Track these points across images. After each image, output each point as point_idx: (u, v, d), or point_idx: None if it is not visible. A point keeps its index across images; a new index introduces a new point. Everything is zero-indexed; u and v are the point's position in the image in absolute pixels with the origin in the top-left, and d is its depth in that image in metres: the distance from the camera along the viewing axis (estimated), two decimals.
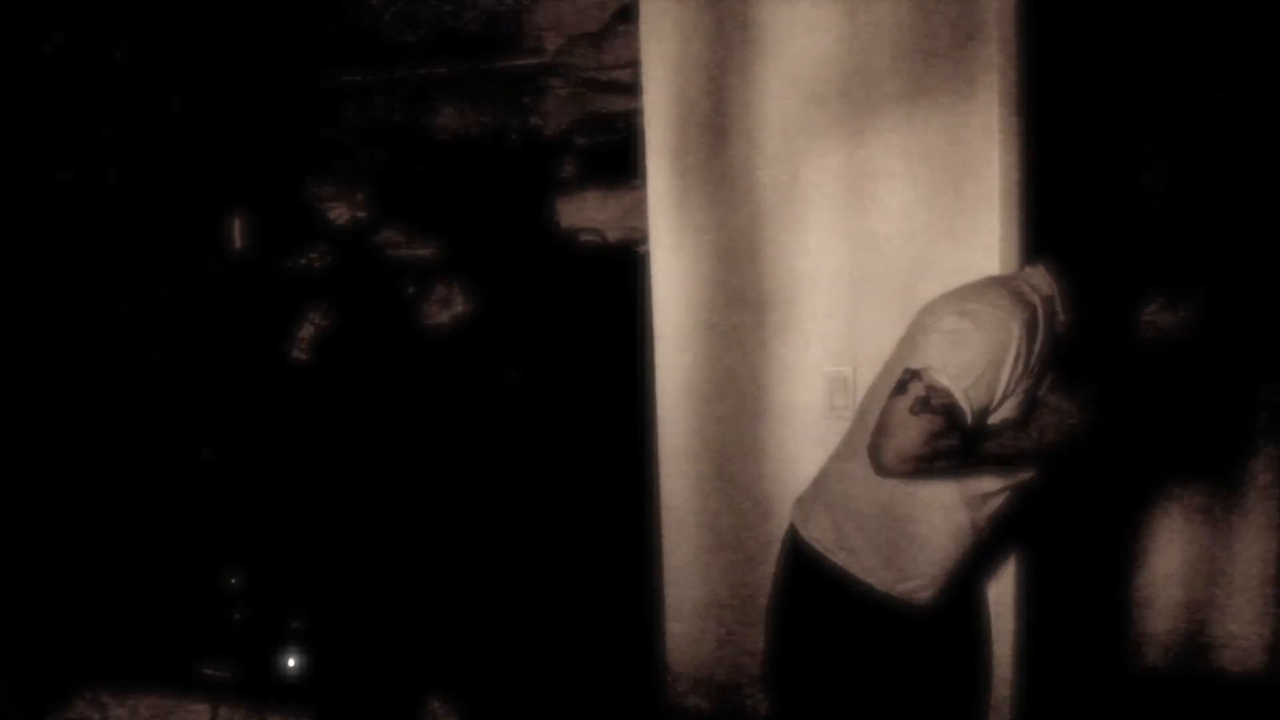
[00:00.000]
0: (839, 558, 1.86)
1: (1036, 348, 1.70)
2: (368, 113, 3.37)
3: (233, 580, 2.85)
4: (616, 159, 2.77)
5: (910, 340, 1.81)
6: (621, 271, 2.67)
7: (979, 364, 1.67)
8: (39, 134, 2.71)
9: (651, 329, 2.46)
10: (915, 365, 1.70)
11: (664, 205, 2.42)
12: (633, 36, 2.46)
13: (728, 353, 2.40)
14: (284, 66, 3.21)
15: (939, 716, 1.95)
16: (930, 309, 1.82)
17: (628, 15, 2.61)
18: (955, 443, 1.67)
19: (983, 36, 2.12)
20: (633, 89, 2.52)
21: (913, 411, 1.67)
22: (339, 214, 3.13)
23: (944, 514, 1.80)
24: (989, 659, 2.03)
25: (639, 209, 2.55)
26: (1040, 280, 1.79)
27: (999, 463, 1.75)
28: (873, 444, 1.72)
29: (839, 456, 1.95)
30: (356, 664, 2.74)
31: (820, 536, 1.89)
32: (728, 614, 2.47)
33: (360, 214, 3.10)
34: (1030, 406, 1.74)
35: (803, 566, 1.94)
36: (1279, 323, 2.57)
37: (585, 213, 2.77)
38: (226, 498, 3.13)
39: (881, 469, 1.72)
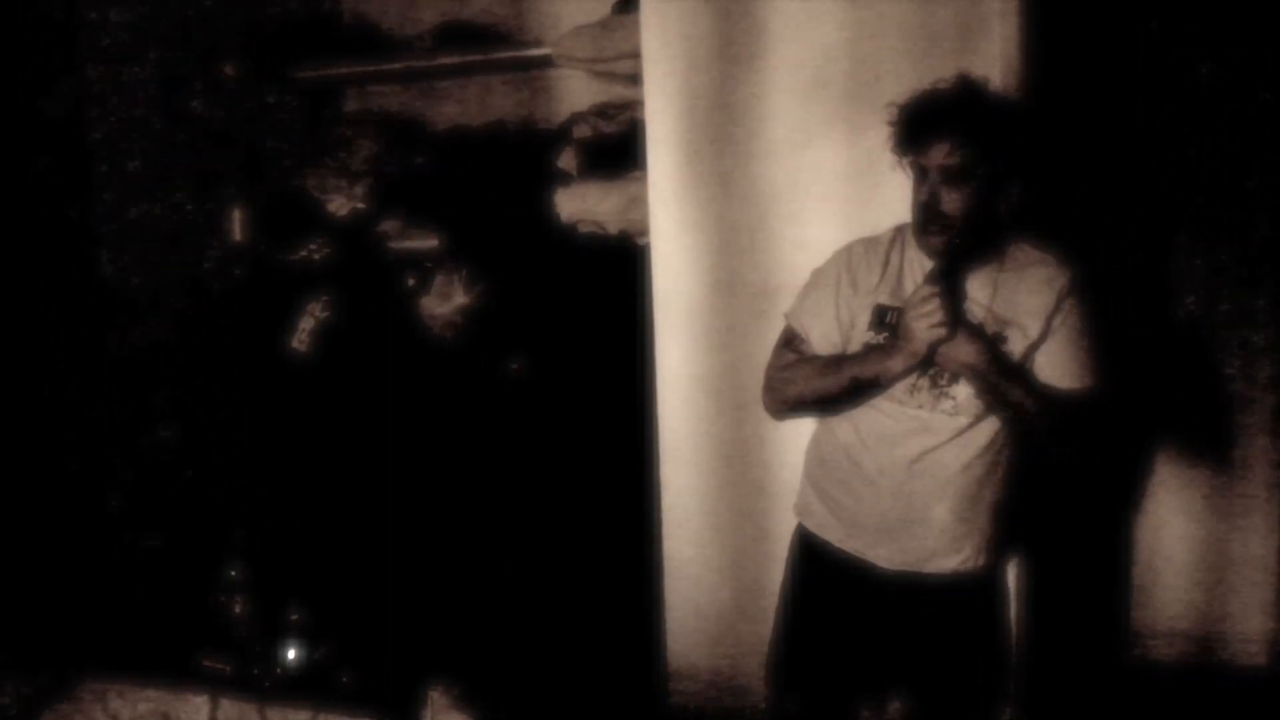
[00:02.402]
0: (807, 520, 2.01)
1: (873, 271, 1.86)
2: (368, 103, 3.36)
3: (232, 572, 2.85)
4: (617, 150, 2.76)
5: None
6: (622, 263, 2.66)
7: (811, 296, 1.94)
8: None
9: (652, 321, 2.46)
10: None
11: (665, 197, 2.41)
12: (634, 27, 2.45)
13: (728, 345, 2.40)
14: (283, 56, 3.20)
15: (941, 694, 1.94)
16: None
17: (630, 5, 2.60)
18: (807, 370, 1.87)
19: (985, 30, 2.12)
20: (634, 80, 2.51)
21: (774, 351, 1.97)
22: (339, 205, 3.12)
23: (866, 458, 1.87)
24: (998, 638, 2.00)
25: (640, 200, 2.54)
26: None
27: (862, 384, 1.82)
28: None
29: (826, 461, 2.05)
30: (356, 656, 2.74)
31: (797, 503, 2.06)
32: (728, 607, 2.47)
33: (360, 205, 3.10)
34: (885, 329, 1.83)
35: (793, 539, 2.07)
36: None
37: (586, 204, 2.76)
38: (226, 489, 3.13)
39: (768, 410, 1.99)
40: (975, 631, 1.94)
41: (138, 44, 2.88)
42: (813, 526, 1.99)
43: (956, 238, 1.76)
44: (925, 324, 1.73)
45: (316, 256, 3.12)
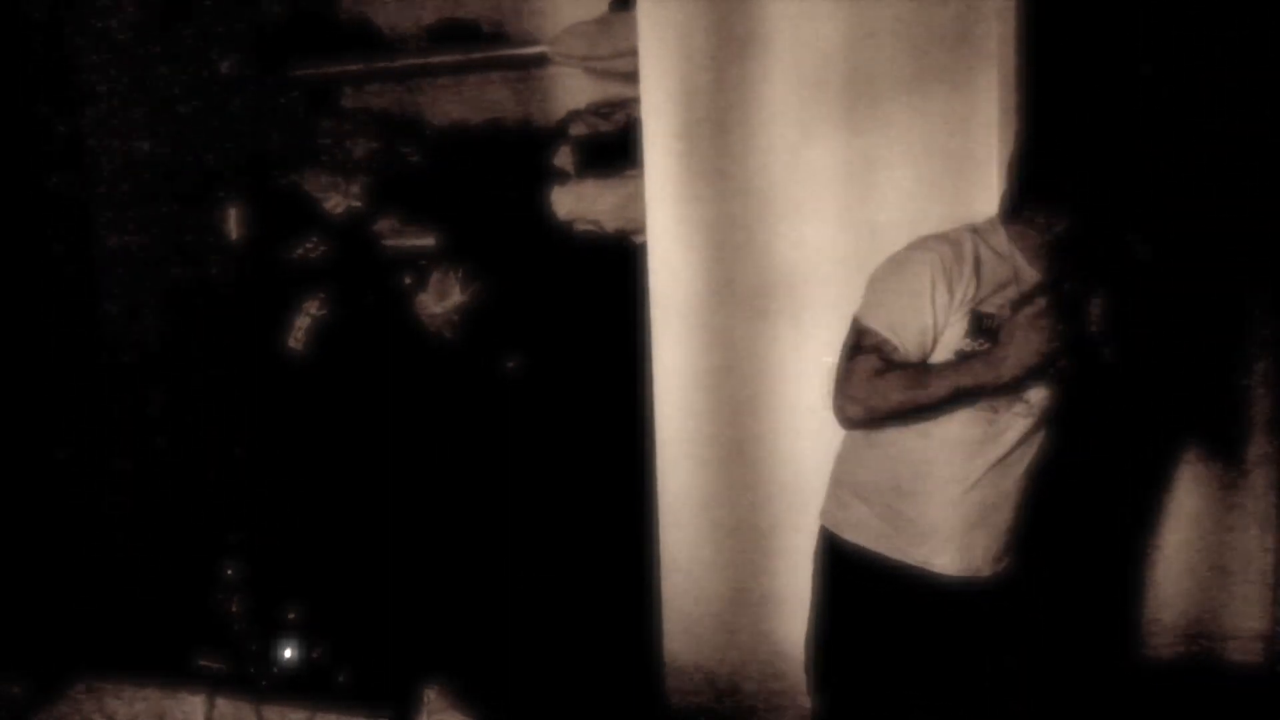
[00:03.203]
0: (851, 534, 1.89)
1: (965, 275, 1.76)
2: (365, 101, 3.35)
3: (229, 571, 2.84)
4: (614, 148, 2.76)
5: None
6: (619, 261, 2.66)
7: (900, 299, 1.78)
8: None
9: (649, 319, 2.46)
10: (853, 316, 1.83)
11: (662, 195, 2.41)
12: (631, 25, 2.45)
13: (725, 343, 2.39)
14: (280, 54, 3.19)
15: (982, 697, 1.93)
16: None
17: (626, 3, 2.60)
18: (897, 379, 1.74)
19: (983, 27, 2.12)
20: (631, 78, 2.51)
21: (849, 358, 1.79)
22: (335, 204, 3.11)
23: (939, 467, 1.82)
24: (1031, 639, 2.01)
25: (637, 199, 2.54)
26: (981, 223, 1.87)
27: (961, 393, 1.76)
28: (833, 402, 1.81)
29: (844, 438, 1.97)
30: (353, 655, 2.74)
31: (831, 517, 1.94)
32: (725, 606, 2.47)
33: (356, 204, 3.09)
34: (983, 336, 1.77)
35: (826, 554, 1.97)
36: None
37: (583, 202, 2.76)
38: (223, 488, 3.12)
39: (844, 420, 1.81)
40: (1019, 633, 1.94)
41: (135, 41, 2.87)
42: (863, 541, 1.88)
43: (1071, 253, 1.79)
44: (1041, 337, 1.71)
45: (313, 255, 3.11)
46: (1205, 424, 2.67)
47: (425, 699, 2.27)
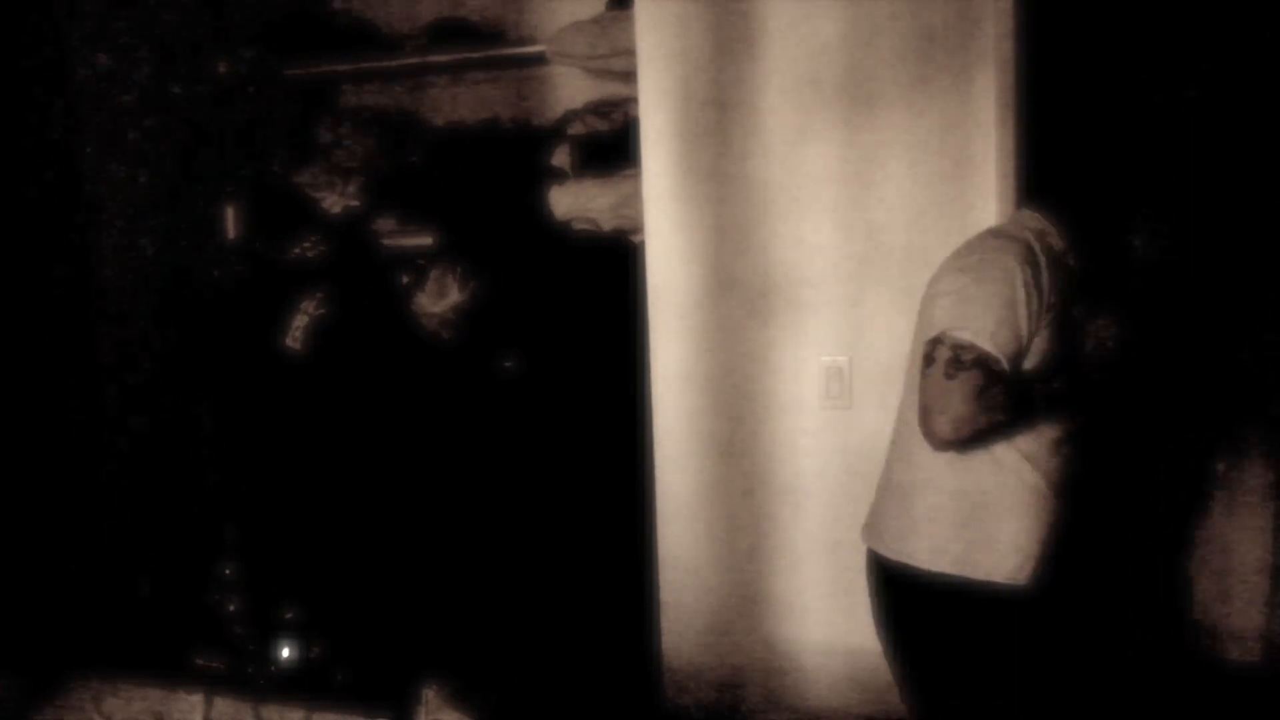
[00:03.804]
0: (927, 561, 1.79)
1: (1044, 278, 1.70)
2: (362, 100, 3.35)
3: (226, 570, 2.84)
4: (612, 148, 2.76)
5: (922, 316, 1.81)
6: (617, 260, 2.66)
7: (993, 309, 1.68)
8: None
9: (646, 318, 2.46)
10: (933, 334, 1.71)
11: (659, 194, 2.41)
12: (629, 24, 2.45)
13: (722, 342, 2.40)
14: (278, 53, 3.19)
15: (1059, 700, 1.89)
16: (932, 280, 1.83)
17: (624, 2, 2.60)
18: (1000, 393, 1.66)
19: (980, 26, 2.12)
20: (629, 77, 2.51)
21: (948, 376, 1.67)
22: (333, 203, 3.11)
23: (1015, 479, 1.75)
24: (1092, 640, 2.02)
25: (634, 198, 2.54)
26: (1028, 218, 1.83)
27: (1055, 404, 1.72)
28: (923, 425, 1.71)
29: (891, 465, 1.91)
30: (351, 654, 2.74)
31: (900, 548, 1.83)
32: (724, 604, 2.47)
33: (354, 203, 3.09)
34: (1067, 339, 1.73)
35: (897, 589, 1.86)
36: None
37: (580, 201, 2.76)
38: (220, 487, 3.12)
39: (941, 443, 1.71)
40: (1077, 635, 1.94)
41: (131, 40, 2.87)
42: (944, 567, 1.77)
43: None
44: (1099, 339, 1.73)
45: (310, 254, 3.11)
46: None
47: (423, 698, 2.27)
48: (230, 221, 3.15)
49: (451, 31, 3.12)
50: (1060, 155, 1.86)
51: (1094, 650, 2.13)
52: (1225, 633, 2.70)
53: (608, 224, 2.74)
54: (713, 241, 2.38)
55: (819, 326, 2.31)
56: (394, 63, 3.15)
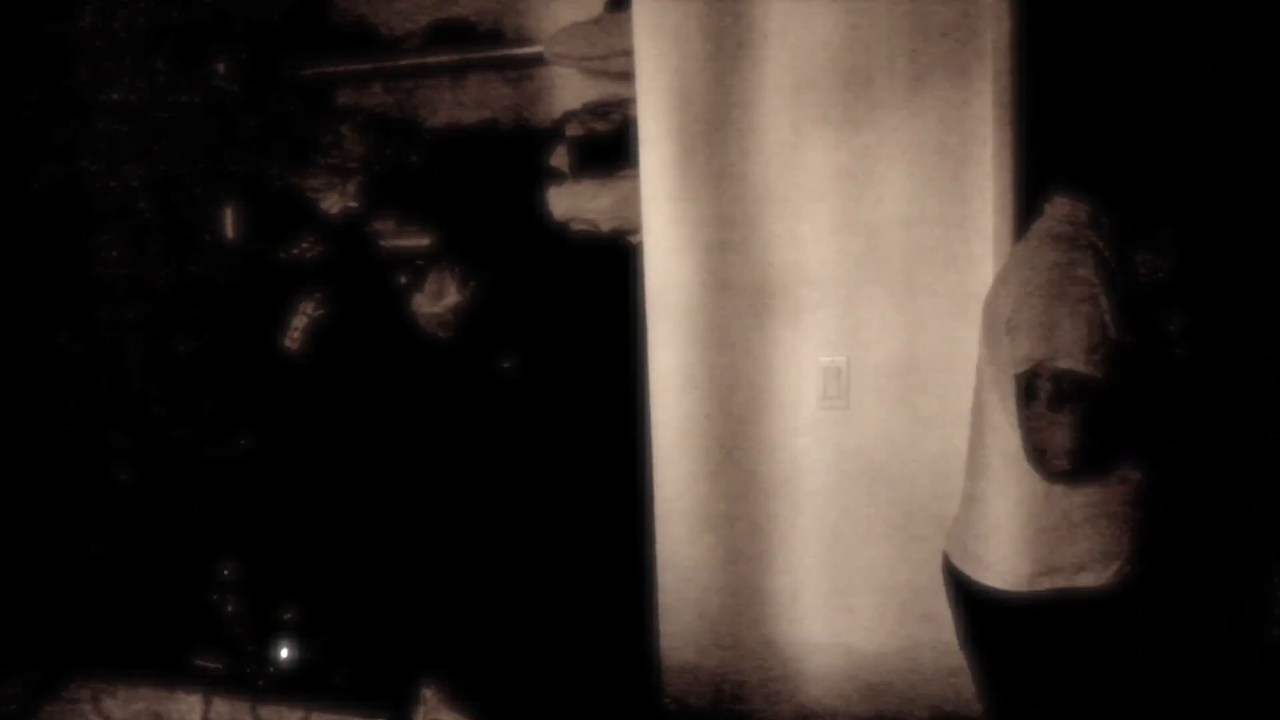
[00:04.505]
0: (1001, 574, 1.74)
1: (1114, 272, 1.65)
2: (361, 101, 3.35)
3: (225, 571, 2.84)
4: (610, 148, 2.76)
5: (997, 345, 1.73)
6: (615, 261, 2.67)
7: (1082, 329, 1.60)
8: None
9: (644, 319, 2.46)
10: (1024, 368, 1.63)
11: (657, 195, 2.41)
12: (627, 25, 2.45)
13: (721, 343, 2.40)
14: (276, 54, 3.19)
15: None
16: (994, 306, 1.76)
17: (622, 3, 2.60)
18: (1109, 412, 1.60)
19: (978, 27, 2.12)
20: (627, 78, 2.52)
21: (1052, 409, 1.60)
22: (331, 204, 3.11)
23: (1093, 485, 1.69)
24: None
25: (633, 199, 2.55)
26: (1069, 209, 1.75)
27: (1158, 397, 1.70)
28: (1038, 464, 1.64)
29: (972, 485, 1.86)
30: (349, 654, 2.74)
31: (997, 573, 1.76)
32: (722, 604, 2.48)
33: (352, 204, 3.09)
34: (1148, 328, 1.70)
35: (973, 602, 1.82)
36: None
37: (578, 202, 2.76)
38: (219, 487, 3.12)
39: (1058, 477, 1.64)
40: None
41: (130, 41, 2.87)
42: (1022, 579, 1.72)
43: None
44: (1150, 266, 1.77)
45: (309, 254, 3.11)
46: None
47: (422, 698, 2.28)
48: (229, 222, 3.15)
49: (450, 32, 3.12)
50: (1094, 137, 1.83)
51: (1178, 657, 2.09)
52: None
53: (606, 225, 2.74)
54: (711, 242, 2.38)
55: (817, 327, 2.31)
56: (392, 63, 3.15)
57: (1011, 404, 1.67)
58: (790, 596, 2.41)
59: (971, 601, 1.81)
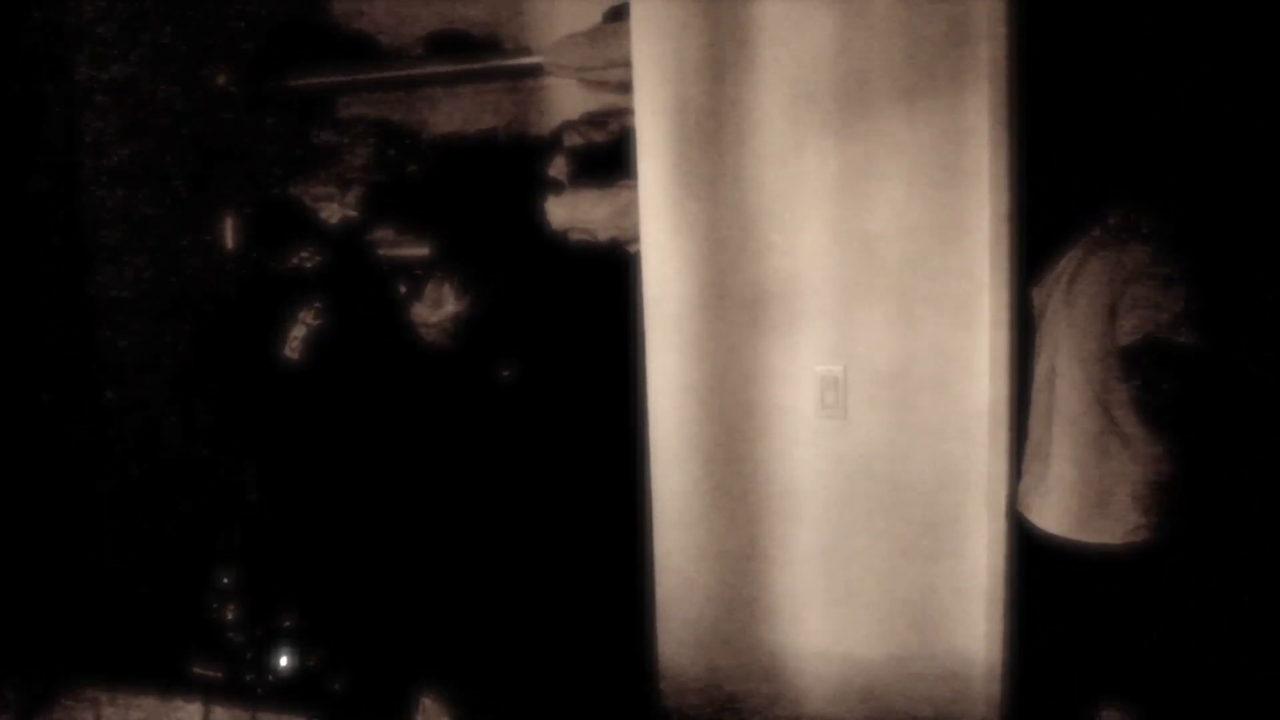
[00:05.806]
0: (1055, 526, 2.18)
1: (1184, 267, 2.07)
2: (360, 111, 3.37)
3: (224, 579, 2.84)
4: (609, 158, 2.78)
5: (1090, 328, 2.17)
6: (613, 270, 2.68)
7: (1178, 298, 2.05)
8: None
9: (642, 328, 2.47)
10: (1132, 339, 2.08)
11: (656, 204, 2.42)
12: (625, 36, 2.47)
13: (719, 351, 2.41)
14: (275, 64, 3.21)
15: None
16: (1086, 295, 2.20)
17: (620, 14, 2.62)
18: (1203, 373, 2.05)
19: (974, 36, 2.14)
20: (625, 88, 2.53)
21: (1153, 374, 2.08)
22: (330, 213, 3.12)
23: (1135, 443, 2.12)
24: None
25: (631, 208, 2.56)
26: (1130, 218, 2.22)
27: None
28: (1140, 422, 2.10)
29: (1035, 445, 2.24)
30: (348, 662, 2.74)
31: (1054, 518, 2.21)
32: (720, 610, 2.48)
33: (352, 213, 3.10)
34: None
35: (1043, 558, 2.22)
36: None
37: (577, 212, 2.77)
38: (218, 495, 3.13)
39: (1153, 433, 2.09)
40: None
41: (129, 51, 2.88)
42: (1065, 531, 2.20)
43: None
44: None
45: (308, 264, 3.12)
46: None
47: (421, 706, 2.28)
48: (229, 232, 3.16)
49: (449, 43, 3.14)
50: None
51: (1219, 614, 2.31)
52: None
53: (604, 234, 2.76)
54: (708, 251, 2.39)
55: (814, 336, 2.32)
56: (392, 74, 3.17)
57: (1079, 375, 2.13)
58: (788, 604, 2.42)
59: (1030, 543, 2.22)
